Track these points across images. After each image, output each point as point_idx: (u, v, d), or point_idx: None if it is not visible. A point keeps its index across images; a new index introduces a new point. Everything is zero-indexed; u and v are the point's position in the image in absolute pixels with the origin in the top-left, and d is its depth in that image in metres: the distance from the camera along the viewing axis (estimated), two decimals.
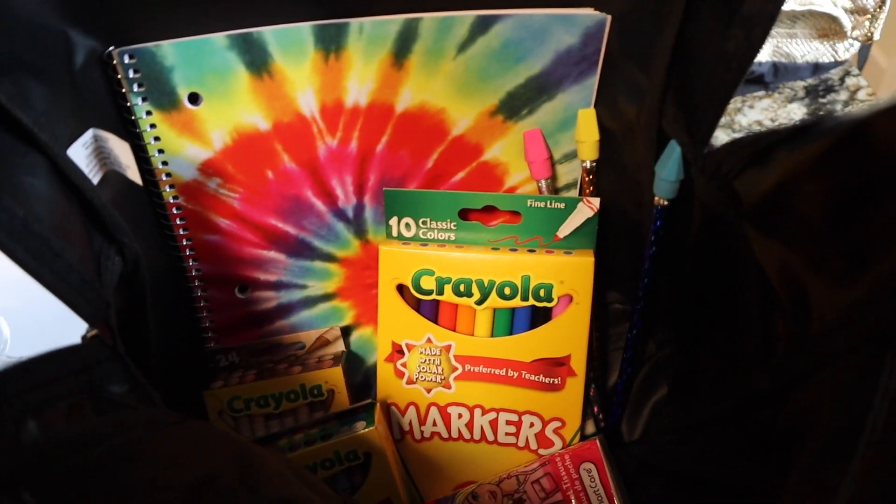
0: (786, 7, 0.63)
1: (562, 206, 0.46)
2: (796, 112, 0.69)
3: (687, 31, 0.38)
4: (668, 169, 0.42)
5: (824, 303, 0.31)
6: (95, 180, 0.38)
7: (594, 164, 0.48)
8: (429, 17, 0.43)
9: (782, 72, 0.69)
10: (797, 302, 0.33)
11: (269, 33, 0.41)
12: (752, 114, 0.68)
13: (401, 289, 0.49)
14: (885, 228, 0.27)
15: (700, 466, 0.43)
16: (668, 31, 0.39)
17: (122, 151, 0.39)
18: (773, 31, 0.70)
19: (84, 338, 0.31)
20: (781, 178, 0.33)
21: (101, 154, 0.39)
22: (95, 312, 0.32)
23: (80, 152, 0.36)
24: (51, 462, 0.24)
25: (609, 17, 0.44)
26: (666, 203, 0.44)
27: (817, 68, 0.69)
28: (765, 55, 0.68)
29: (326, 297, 0.51)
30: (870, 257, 0.28)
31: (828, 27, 0.69)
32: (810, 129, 0.32)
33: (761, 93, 0.69)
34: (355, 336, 0.53)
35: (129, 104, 0.41)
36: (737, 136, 0.61)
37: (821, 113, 0.69)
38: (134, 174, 0.41)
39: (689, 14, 0.38)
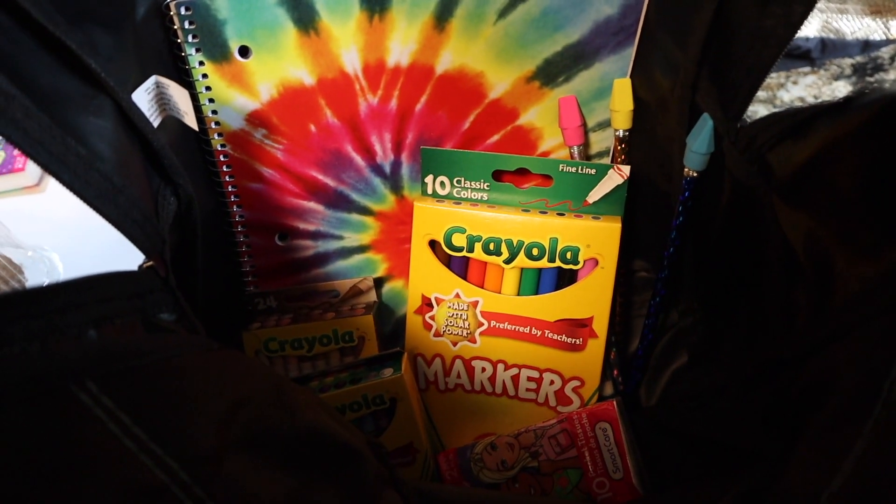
0: None
1: (592, 171, 0.48)
2: (841, 90, 0.68)
3: (725, 5, 0.39)
4: (700, 141, 0.42)
5: (849, 274, 0.32)
6: (157, 122, 0.40)
7: (627, 133, 0.49)
8: None
9: (830, 48, 0.68)
10: (822, 273, 0.34)
11: None
12: (795, 90, 0.67)
13: (433, 245, 0.50)
14: None
15: (716, 431, 0.45)
16: (707, 5, 0.39)
17: (181, 98, 0.42)
18: (823, 6, 0.69)
19: (140, 267, 0.34)
20: (819, 150, 0.34)
21: (162, 100, 0.41)
22: (152, 246, 0.34)
23: (142, 97, 0.39)
24: (108, 362, 0.26)
25: None
26: (695, 175, 0.45)
27: (867, 46, 0.68)
28: (813, 30, 0.67)
29: (361, 249, 0.53)
30: None
31: (881, 3, 0.68)
32: (854, 102, 0.32)
33: (807, 69, 0.69)
34: (387, 288, 0.55)
35: (183, 54, 0.44)
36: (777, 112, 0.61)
37: (867, 92, 0.68)
38: (191, 120, 0.43)
39: None
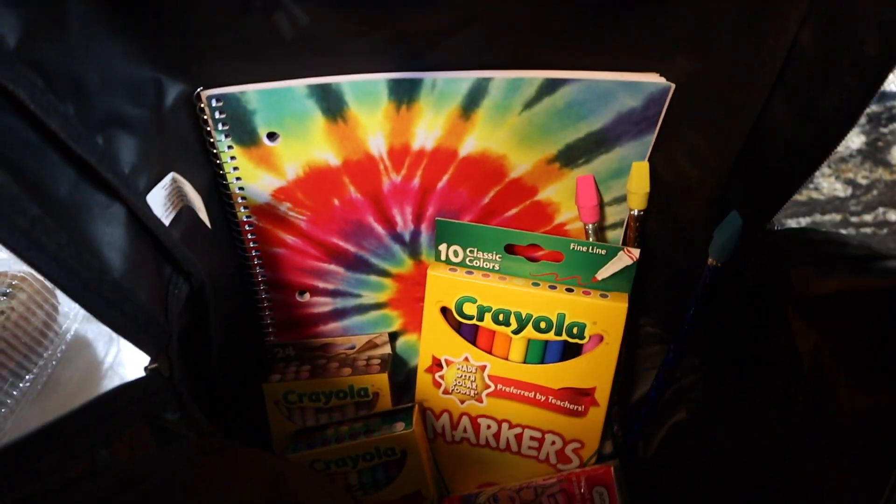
0: None
1: (602, 252, 0.49)
2: (854, 140, 0.69)
3: (761, 115, 0.39)
4: (728, 238, 0.44)
5: (845, 399, 0.34)
6: (172, 216, 0.41)
7: (642, 213, 0.51)
8: (499, 77, 0.44)
9: None
10: (822, 387, 0.36)
11: (347, 85, 0.43)
12: None
13: (444, 310, 0.53)
14: None
15: (708, 499, 0.48)
16: (745, 116, 0.40)
17: (195, 198, 0.43)
18: None
19: (146, 370, 0.36)
20: (835, 292, 0.35)
21: (179, 194, 0.42)
22: (158, 346, 0.36)
23: (159, 194, 0.39)
24: (123, 492, 0.29)
25: (673, 86, 0.45)
26: (719, 265, 0.46)
27: (882, 96, 0.69)
28: None
29: (378, 306, 0.55)
30: None
31: None
32: (873, 263, 0.34)
33: None
34: (401, 341, 0.58)
35: (212, 140, 0.44)
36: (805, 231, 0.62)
37: (880, 144, 0.69)
38: (204, 217, 0.44)
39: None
